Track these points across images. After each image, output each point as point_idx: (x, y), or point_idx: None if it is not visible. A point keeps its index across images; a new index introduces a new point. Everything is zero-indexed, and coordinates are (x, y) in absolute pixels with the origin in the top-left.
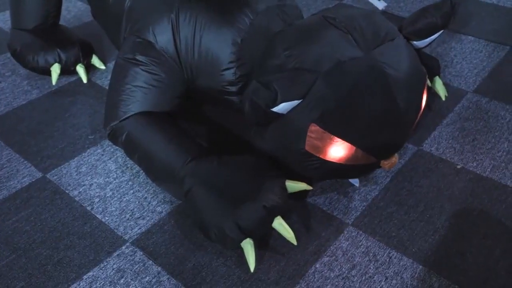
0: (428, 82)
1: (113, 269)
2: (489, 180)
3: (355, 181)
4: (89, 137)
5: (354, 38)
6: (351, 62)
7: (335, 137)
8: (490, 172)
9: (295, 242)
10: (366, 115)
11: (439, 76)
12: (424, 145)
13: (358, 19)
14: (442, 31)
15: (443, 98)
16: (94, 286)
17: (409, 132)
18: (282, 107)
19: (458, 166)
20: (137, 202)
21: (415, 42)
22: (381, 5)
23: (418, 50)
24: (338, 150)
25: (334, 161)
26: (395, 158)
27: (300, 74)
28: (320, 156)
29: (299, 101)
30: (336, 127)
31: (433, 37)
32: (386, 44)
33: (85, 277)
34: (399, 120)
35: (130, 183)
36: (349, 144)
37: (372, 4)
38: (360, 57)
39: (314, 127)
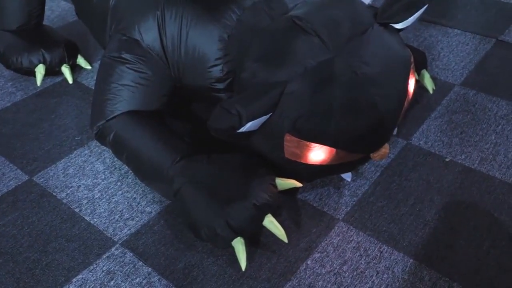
0: (416, 75)
1: (103, 271)
2: (477, 172)
3: (347, 176)
4: (76, 138)
5: (322, 39)
6: (320, 66)
7: (311, 143)
8: (479, 165)
9: (286, 240)
10: (340, 118)
11: (427, 70)
12: (413, 139)
13: (329, 13)
14: (426, 6)
15: (431, 91)
16: None
17: (394, 123)
18: (251, 125)
19: (447, 159)
20: (126, 203)
21: (396, 25)
22: (367, 0)
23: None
24: (318, 154)
25: (317, 163)
26: (384, 149)
27: (266, 89)
28: (302, 161)
29: (268, 115)
30: (309, 135)
31: (416, 14)
32: (357, 39)
33: (74, 280)
34: (379, 116)
35: (118, 183)
36: (328, 147)
37: None
38: (329, 58)
39: (289, 137)
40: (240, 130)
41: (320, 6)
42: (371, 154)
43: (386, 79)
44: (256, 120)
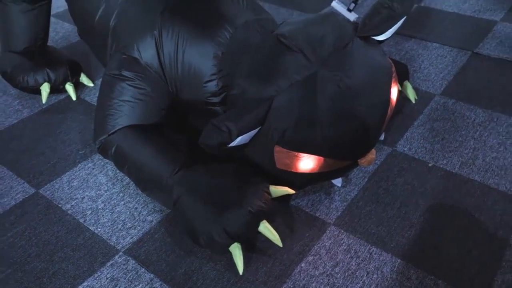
0: (399, 86)
1: (107, 278)
2: (458, 176)
3: (338, 181)
4: (80, 152)
5: (305, 55)
6: (304, 81)
7: (300, 153)
8: (459, 169)
9: (280, 244)
10: (325, 129)
11: (409, 81)
12: (398, 146)
13: (311, 30)
14: (404, 18)
15: (413, 101)
16: None
17: (379, 130)
18: (240, 140)
19: (430, 164)
20: (128, 213)
21: (377, 38)
22: (352, 17)
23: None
24: (307, 163)
25: (307, 172)
26: (371, 155)
27: (254, 105)
28: (292, 171)
29: (257, 129)
30: (297, 146)
31: (396, 26)
32: (339, 53)
33: (80, 287)
34: (363, 125)
35: (120, 194)
36: (316, 156)
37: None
38: (312, 73)
39: (278, 148)
40: (231, 145)
41: (303, 23)
42: (359, 160)
43: (368, 89)
44: (245, 135)
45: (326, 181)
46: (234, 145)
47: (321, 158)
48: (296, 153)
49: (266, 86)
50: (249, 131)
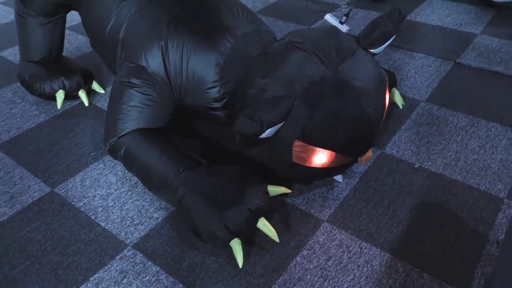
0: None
1: (116, 270)
2: (442, 176)
3: (339, 178)
4: (92, 153)
5: (321, 59)
6: (322, 81)
7: (317, 148)
8: (443, 170)
9: (277, 239)
10: (341, 125)
11: (396, 88)
12: (386, 148)
13: (321, 39)
14: (394, 36)
15: (401, 107)
16: (100, 286)
17: (379, 129)
18: (268, 132)
19: (416, 166)
20: (136, 210)
21: (372, 50)
22: (344, 29)
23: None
24: (321, 157)
25: (318, 166)
26: (369, 153)
27: (278, 101)
28: (306, 165)
29: (282, 123)
30: (316, 140)
31: (387, 43)
32: (349, 59)
33: (92, 278)
34: (369, 124)
35: (129, 193)
36: (330, 151)
37: None
38: (329, 75)
39: (298, 143)
40: (261, 136)
41: (310, 33)
42: (359, 158)
43: (373, 93)
44: (272, 128)
45: (323, 180)
46: (263, 136)
47: (333, 154)
48: (313, 148)
49: (286, 84)
50: (276, 124)
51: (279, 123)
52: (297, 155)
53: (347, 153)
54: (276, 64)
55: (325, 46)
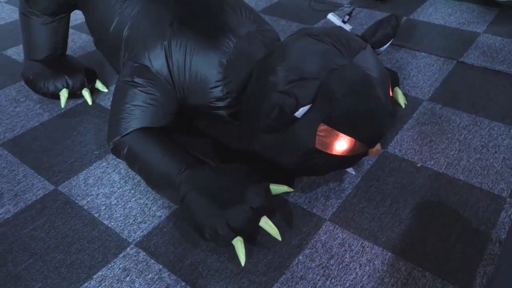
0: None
1: (119, 268)
2: (444, 175)
3: (351, 170)
4: (95, 152)
5: (338, 49)
6: (342, 69)
7: (340, 133)
8: (445, 169)
9: (279, 238)
10: (362, 111)
11: (399, 87)
12: (389, 147)
13: (334, 33)
14: (392, 39)
15: (403, 106)
16: (104, 284)
17: (389, 120)
18: (300, 112)
19: (418, 165)
20: (139, 208)
21: (376, 49)
22: (346, 28)
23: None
24: (342, 144)
25: (338, 154)
26: (379, 146)
27: (306, 82)
28: (327, 151)
29: (310, 105)
30: (341, 124)
31: (387, 44)
32: (362, 52)
33: (95, 276)
34: (383, 112)
35: (132, 191)
36: (350, 138)
37: None
38: (347, 64)
39: (323, 127)
40: (295, 114)
41: (322, 30)
42: (369, 150)
43: (383, 84)
44: (303, 108)
45: (325, 179)
46: (296, 114)
47: (353, 141)
48: (337, 133)
49: (310, 70)
50: (307, 104)
51: (309, 104)
52: (321, 140)
53: (364, 140)
54: (297, 52)
55: (339, 39)
